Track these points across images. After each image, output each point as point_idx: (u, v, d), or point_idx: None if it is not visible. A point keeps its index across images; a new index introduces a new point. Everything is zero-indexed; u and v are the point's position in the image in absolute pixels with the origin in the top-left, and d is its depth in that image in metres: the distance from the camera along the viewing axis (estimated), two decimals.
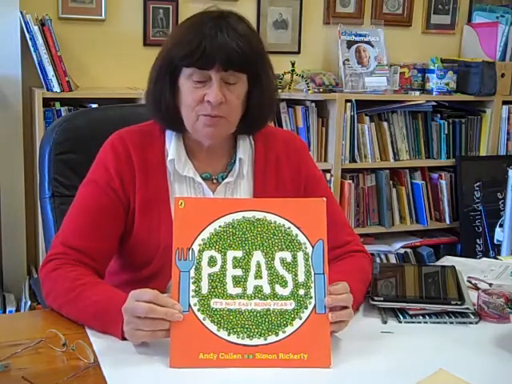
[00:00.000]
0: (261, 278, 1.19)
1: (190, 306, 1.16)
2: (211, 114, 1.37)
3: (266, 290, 1.18)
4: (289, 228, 1.21)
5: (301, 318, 1.17)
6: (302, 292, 1.18)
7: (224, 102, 1.36)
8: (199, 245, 1.20)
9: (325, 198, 1.25)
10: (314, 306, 1.18)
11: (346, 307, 1.22)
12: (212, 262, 1.19)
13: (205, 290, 1.17)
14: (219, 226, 1.21)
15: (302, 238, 1.21)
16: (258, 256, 1.20)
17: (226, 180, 1.48)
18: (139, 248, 1.45)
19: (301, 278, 1.19)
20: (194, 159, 1.48)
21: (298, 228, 1.21)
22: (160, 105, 1.42)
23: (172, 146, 1.46)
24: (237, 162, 1.48)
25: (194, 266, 1.18)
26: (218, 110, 1.36)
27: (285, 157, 1.53)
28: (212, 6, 1.42)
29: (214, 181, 1.48)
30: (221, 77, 1.35)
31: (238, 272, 1.19)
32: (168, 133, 1.48)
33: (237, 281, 1.18)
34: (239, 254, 1.20)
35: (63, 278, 1.33)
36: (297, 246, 1.20)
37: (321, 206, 1.23)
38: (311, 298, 1.18)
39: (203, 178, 1.47)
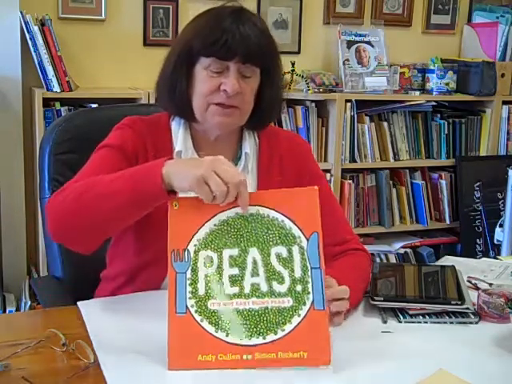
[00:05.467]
0: (258, 275, 1.17)
1: (187, 307, 1.15)
2: (226, 102, 1.39)
3: (264, 287, 1.17)
4: (282, 221, 1.19)
5: (299, 315, 1.15)
6: (299, 288, 1.16)
7: (239, 93, 1.39)
8: (195, 245, 1.18)
9: (317, 187, 1.21)
10: (313, 301, 1.16)
11: (342, 298, 1.23)
12: (208, 262, 1.18)
13: (202, 291, 1.16)
14: (214, 225, 1.19)
15: (296, 231, 1.19)
16: (253, 253, 1.18)
17: None
18: (144, 231, 1.44)
19: (297, 273, 1.17)
20: (201, 152, 1.49)
21: (292, 221, 1.19)
22: (174, 92, 1.45)
23: (179, 138, 1.48)
24: (243, 156, 1.50)
25: (190, 267, 1.17)
26: (232, 100, 1.39)
27: (288, 156, 1.54)
28: (228, 1, 1.46)
29: None
30: (238, 68, 1.39)
31: (235, 271, 1.17)
32: (175, 125, 1.50)
33: (234, 280, 1.17)
34: (235, 252, 1.18)
35: (73, 187, 1.31)
36: (291, 240, 1.18)
37: (313, 195, 1.20)
38: (309, 293, 1.16)
39: None
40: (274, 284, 1.17)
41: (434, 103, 3.53)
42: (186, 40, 1.44)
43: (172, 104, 1.48)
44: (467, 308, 1.37)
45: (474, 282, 1.56)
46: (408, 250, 3.58)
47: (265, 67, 1.44)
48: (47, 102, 2.84)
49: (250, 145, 1.52)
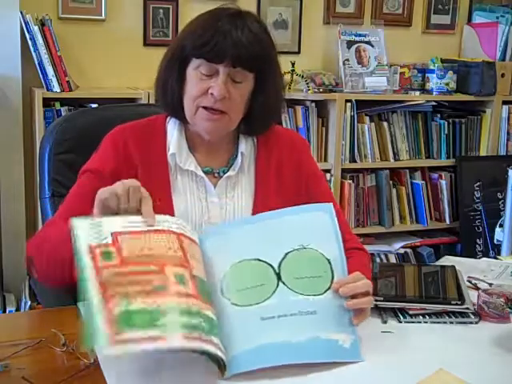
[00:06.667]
0: None
1: None
2: (213, 106, 1.38)
3: None
4: None
5: None
6: None
7: (227, 98, 1.38)
8: None
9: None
10: None
11: (366, 294, 1.22)
12: None
13: None
14: None
15: None
16: None
17: (227, 174, 1.48)
18: None
19: None
20: (196, 153, 1.49)
21: None
22: (166, 91, 1.45)
23: (174, 139, 1.47)
24: (239, 156, 1.49)
25: None
26: (220, 104, 1.38)
27: (287, 155, 1.54)
28: (230, 3, 1.45)
29: (216, 175, 1.49)
30: (228, 72, 1.37)
31: None
32: (170, 126, 1.50)
33: None
34: None
35: (46, 231, 1.38)
36: None
37: None
38: None
39: (204, 172, 1.47)
40: None
41: (434, 103, 3.52)
42: (180, 39, 1.44)
43: (165, 104, 1.47)
44: (467, 308, 1.37)
45: (474, 281, 1.56)
46: (408, 250, 3.57)
47: (258, 73, 1.42)
48: (47, 102, 2.83)
49: (246, 145, 1.50)
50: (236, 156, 1.50)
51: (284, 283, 1.20)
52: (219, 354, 1.05)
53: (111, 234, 1.12)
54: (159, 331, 0.99)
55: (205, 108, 1.39)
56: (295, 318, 1.16)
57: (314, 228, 1.27)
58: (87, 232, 1.11)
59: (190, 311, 1.05)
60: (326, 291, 1.21)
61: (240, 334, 1.14)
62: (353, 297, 1.22)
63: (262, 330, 1.14)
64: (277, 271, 1.21)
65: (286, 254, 1.23)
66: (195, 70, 1.39)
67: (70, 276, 1.25)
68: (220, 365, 1.08)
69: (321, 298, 1.20)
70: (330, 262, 1.24)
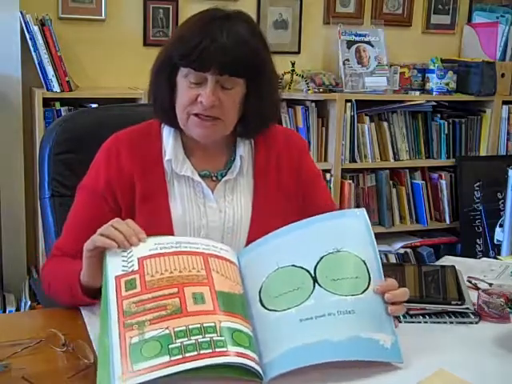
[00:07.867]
0: None
1: None
2: (204, 113, 1.37)
3: None
4: None
5: None
6: None
7: (218, 105, 1.36)
8: None
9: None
10: None
11: (399, 302, 1.22)
12: None
13: None
14: None
15: None
16: None
17: (225, 177, 1.47)
18: None
19: None
20: (192, 157, 1.47)
21: None
22: (157, 100, 1.43)
23: (169, 145, 1.46)
24: (237, 159, 1.48)
25: None
26: (211, 111, 1.36)
27: (286, 154, 1.53)
28: (217, 5, 1.42)
29: (214, 178, 1.48)
30: (217, 80, 1.35)
31: None
32: (165, 132, 1.48)
33: None
34: None
35: (53, 267, 1.41)
36: None
37: None
38: None
39: (202, 176, 1.46)
40: None
41: (434, 103, 3.53)
42: (167, 47, 1.41)
43: (157, 112, 1.46)
44: (467, 308, 1.37)
45: (474, 282, 1.56)
46: (408, 250, 3.58)
47: (249, 77, 1.38)
48: (47, 102, 2.84)
49: (244, 148, 1.48)
50: (234, 159, 1.48)
51: (321, 285, 1.19)
52: (238, 361, 1.06)
53: (138, 259, 1.17)
54: (168, 357, 1.02)
55: (196, 115, 1.38)
56: (333, 317, 1.16)
57: (347, 232, 1.27)
58: (117, 263, 1.17)
59: (202, 329, 1.07)
60: (364, 291, 1.20)
61: (280, 337, 1.14)
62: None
63: (301, 331, 1.15)
64: (313, 275, 1.21)
65: (321, 257, 1.23)
66: (184, 78, 1.37)
67: (74, 304, 1.34)
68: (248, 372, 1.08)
69: (359, 298, 1.19)
70: (365, 263, 1.22)
